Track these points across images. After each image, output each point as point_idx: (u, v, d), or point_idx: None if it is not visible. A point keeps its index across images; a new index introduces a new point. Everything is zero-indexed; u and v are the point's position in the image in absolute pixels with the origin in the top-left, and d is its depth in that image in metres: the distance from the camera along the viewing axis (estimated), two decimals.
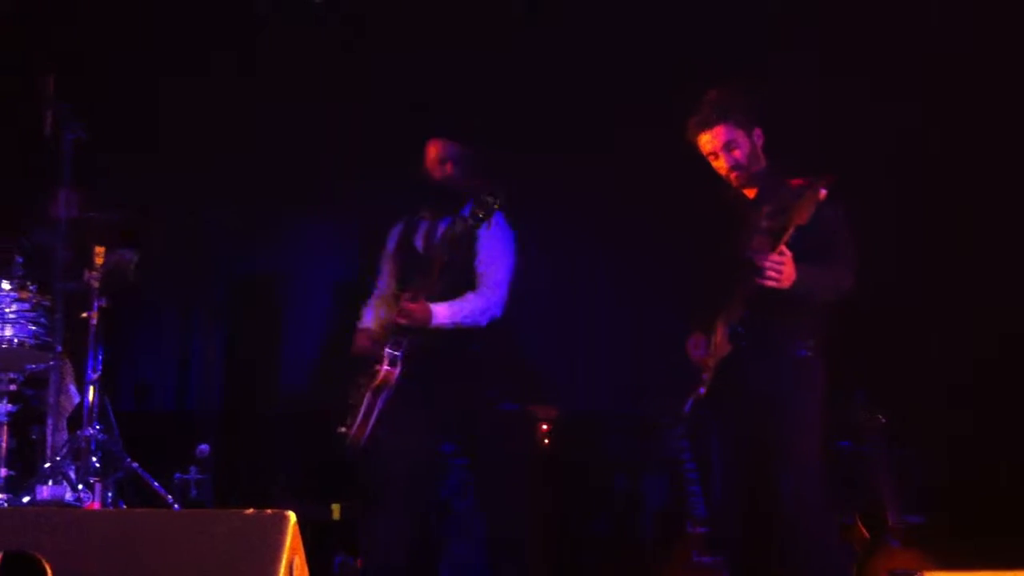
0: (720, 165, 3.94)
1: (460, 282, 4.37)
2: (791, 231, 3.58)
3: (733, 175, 3.92)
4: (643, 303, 5.81)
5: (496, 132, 5.52)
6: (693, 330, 4.03)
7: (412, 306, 4.23)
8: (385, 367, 4.22)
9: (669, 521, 4.96)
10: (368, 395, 4.23)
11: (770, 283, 3.62)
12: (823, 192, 3.54)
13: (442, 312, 4.30)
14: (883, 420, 4.70)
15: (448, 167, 4.54)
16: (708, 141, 3.93)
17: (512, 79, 5.62)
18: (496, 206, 4.13)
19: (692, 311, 4.08)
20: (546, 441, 5.10)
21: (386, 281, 4.63)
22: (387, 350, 4.24)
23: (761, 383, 3.82)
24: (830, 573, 3.81)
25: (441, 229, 4.48)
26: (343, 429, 4.28)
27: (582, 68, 5.61)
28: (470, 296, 4.40)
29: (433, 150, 4.56)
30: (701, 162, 4.00)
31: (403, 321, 4.24)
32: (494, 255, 4.46)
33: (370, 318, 4.59)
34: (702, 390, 3.90)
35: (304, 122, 5.59)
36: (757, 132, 3.95)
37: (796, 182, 3.65)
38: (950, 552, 4.40)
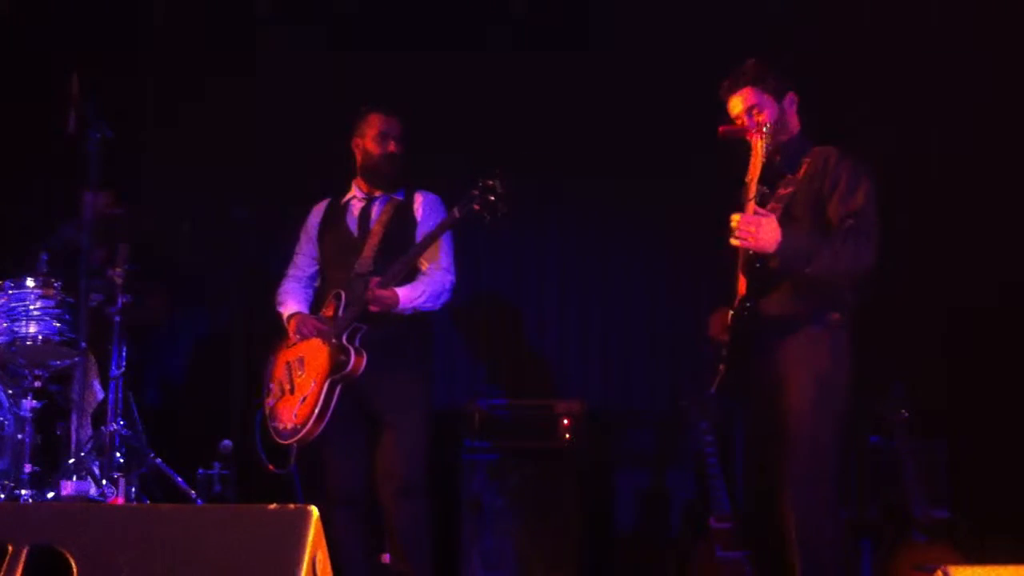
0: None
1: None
2: (753, 187, 3.54)
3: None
4: (672, 297, 5.76)
5: (518, 134, 5.52)
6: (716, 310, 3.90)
7: (384, 293, 4.07)
8: (353, 358, 4.05)
9: (694, 516, 4.94)
10: (325, 386, 4.05)
11: (744, 243, 3.52)
12: (760, 137, 3.57)
13: (405, 296, 4.15)
14: (906, 414, 4.67)
15: (392, 145, 4.36)
16: (734, 105, 3.79)
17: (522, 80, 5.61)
18: (501, 205, 3.96)
19: (718, 290, 4.01)
20: (567, 435, 5.06)
21: (306, 261, 4.47)
22: (345, 340, 4.08)
23: (767, 360, 3.68)
24: (827, 562, 3.60)
25: (377, 210, 4.35)
26: (291, 424, 4.10)
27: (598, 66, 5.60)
28: (425, 279, 4.25)
29: (384, 124, 4.37)
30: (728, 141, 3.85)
31: (375, 309, 4.08)
32: (441, 237, 4.26)
33: (297, 303, 4.39)
34: (722, 367, 3.74)
35: (328, 120, 5.58)
36: (790, 98, 3.79)
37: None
38: (976, 547, 4.37)
